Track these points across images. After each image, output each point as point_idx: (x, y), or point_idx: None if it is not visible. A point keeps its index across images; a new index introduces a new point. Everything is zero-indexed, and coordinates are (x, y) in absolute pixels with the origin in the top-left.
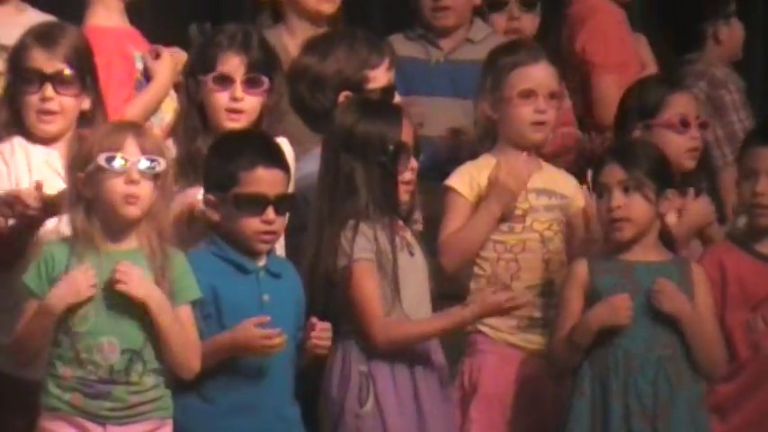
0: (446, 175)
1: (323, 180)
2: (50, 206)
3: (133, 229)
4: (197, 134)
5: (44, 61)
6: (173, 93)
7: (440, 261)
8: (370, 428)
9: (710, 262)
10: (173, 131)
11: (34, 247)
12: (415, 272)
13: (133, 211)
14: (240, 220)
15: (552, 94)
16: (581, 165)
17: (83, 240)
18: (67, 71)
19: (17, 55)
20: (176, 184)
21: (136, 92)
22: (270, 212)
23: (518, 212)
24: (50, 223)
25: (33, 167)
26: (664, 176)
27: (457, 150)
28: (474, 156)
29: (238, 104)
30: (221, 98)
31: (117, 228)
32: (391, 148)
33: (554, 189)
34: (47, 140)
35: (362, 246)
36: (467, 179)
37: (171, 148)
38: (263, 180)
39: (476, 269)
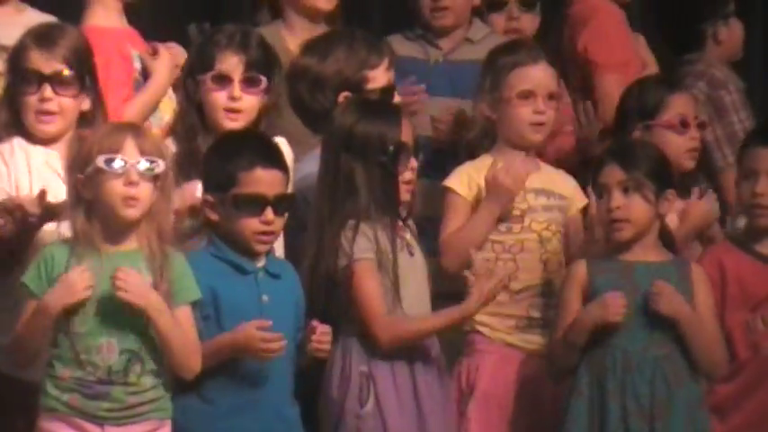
0: (444, 174)
1: (323, 181)
2: (51, 213)
3: (133, 231)
4: (196, 133)
5: (43, 62)
6: (171, 93)
7: (440, 261)
8: (371, 429)
9: (710, 262)
10: (172, 131)
11: (34, 248)
12: (414, 272)
13: (132, 212)
14: (239, 220)
15: (551, 95)
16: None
17: (83, 241)
18: (66, 72)
19: (16, 56)
20: (177, 185)
21: (135, 92)
22: (269, 213)
23: (516, 213)
24: (50, 224)
25: (33, 168)
26: (663, 177)
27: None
28: (472, 156)
29: (236, 104)
30: (219, 97)
31: (117, 229)
32: (391, 148)
33: (552, 189)
34: (46, 141)
35: (363, 245)
36: (465, 179)
37: (170, 147)
38: (262, 180)
39: None
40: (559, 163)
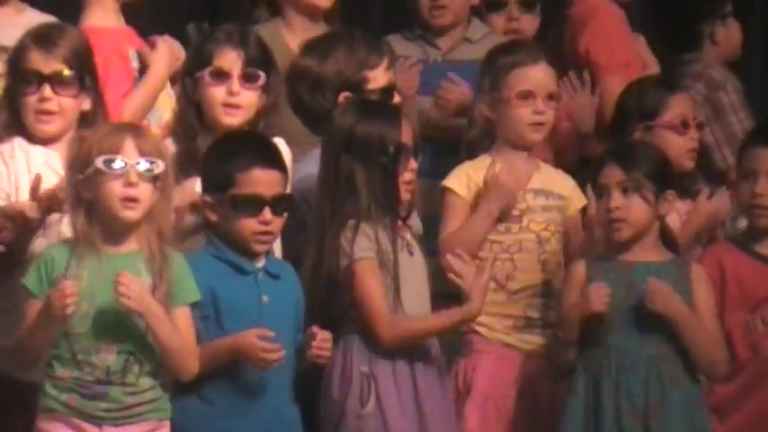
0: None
1: (323, 181)
2: (50, 204)
3: (133, 232)
4: (195, 133)
5: (42, 62)
6: (171, 92)
7: (440, 261)
8: (372, 429)
9: (710, 263)
10: (171, 131)
11: (34, 249)
12: (414, 272)
13: (132, 213)
14: (237, 221)
15: (551, 95)
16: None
17: (83, 243)
18: (66, 72)
19: (16, 56)
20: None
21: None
22: (266, 213)
23: (515, 213)
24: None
25: (33, 168)
26: (664, 178)
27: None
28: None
29: (235, 99)
30: (218, 92)
31: (116, 230)
32: (391, 149)
33: (552, 189)
34: (46, 141)
35: (363, 245)
36: (464, 179)
37: (170, 146)
38: (260, 181)
39: None
40: (558, 162)
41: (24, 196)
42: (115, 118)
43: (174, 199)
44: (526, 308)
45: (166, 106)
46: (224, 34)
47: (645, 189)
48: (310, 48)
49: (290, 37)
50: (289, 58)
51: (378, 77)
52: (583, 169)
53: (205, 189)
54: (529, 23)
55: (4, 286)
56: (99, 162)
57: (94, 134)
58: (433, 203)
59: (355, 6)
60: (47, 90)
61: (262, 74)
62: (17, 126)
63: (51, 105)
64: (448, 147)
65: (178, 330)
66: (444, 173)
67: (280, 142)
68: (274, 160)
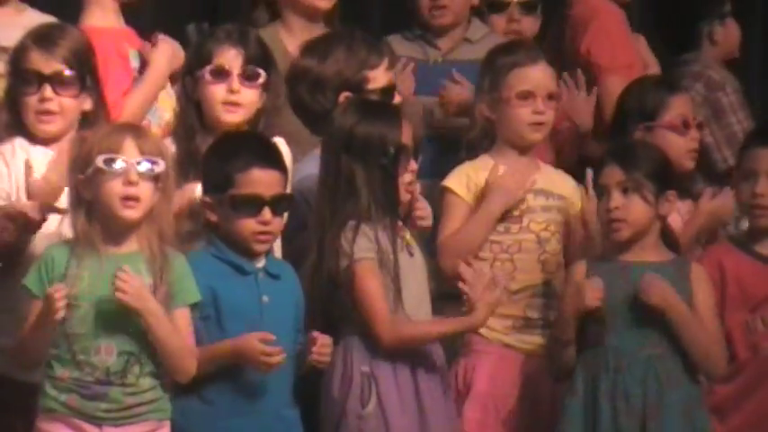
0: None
1: (323, 182)
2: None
3: (133, 232)
4: (195, 132)
5: (43, 62)
6: (171, 92)
7: (439, 262)
8: (373, 429)
9: (710, 263)
10: (172, 131)
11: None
12: (414, 272)
13: (132, 213)
14: (237, 221)
15: (551, 95)
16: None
17: (83, 243)
18: (66, 72)
19: (17, 56)
20: (177, 185)
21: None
22: (266, 213)
23: (515, 213)
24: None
25: (34, 169)
26: (664, 178)
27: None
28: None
29: (235, 97)
30: (218, 91)
31: (117, 230)
32: (392, 149)
33: (552, 190)
34: (47, 141)
35: (364, 246)
36: (464, 180)
37: (170, 146)
38: (259, 181)
39: None
40: (558, 162)
41: (25, 196)
42: (115, 117)
43: (174, 203)
44: (526, 308)
45: (167, 106)
46: (224, 33)
47: (645, 189)
48: (310, 48)
49: (289, 40)
50: (287, 61)
51: (378, 77)
52: (582, 169)
53: (205, 189)
54: (530, 25)
55: (4, 286)
56: (99, 161)
57: (95, 134)
58: (433, 203)
59: (355, 6)
60: (47, 90)
61: (262, 72)
62: (18, 126)
63: (52, 105)
64: (450, 146)
65: (177, 331)
66: (444, 173)
67: (280, 142)
68: (274, 160)
